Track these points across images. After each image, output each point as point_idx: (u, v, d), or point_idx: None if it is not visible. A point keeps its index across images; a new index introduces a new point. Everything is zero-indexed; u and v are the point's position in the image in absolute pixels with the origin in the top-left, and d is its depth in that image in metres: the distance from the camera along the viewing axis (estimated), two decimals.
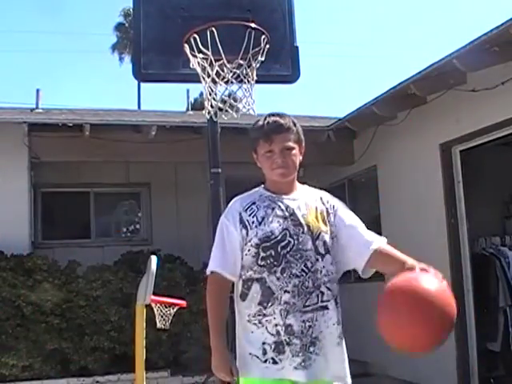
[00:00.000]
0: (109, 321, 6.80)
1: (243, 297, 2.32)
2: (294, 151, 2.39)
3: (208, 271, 2.37)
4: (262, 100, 4.01)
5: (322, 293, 2.30)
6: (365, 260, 2.43)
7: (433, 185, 6.45)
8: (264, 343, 2.27)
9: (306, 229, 2.33)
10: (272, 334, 2.27)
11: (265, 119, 2.42)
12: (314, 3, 55.44)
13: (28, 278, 6.68)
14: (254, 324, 2.30)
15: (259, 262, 2.29)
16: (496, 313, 6.37)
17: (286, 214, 2.35)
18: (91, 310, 6.80)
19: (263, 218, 2.33)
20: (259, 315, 2.29)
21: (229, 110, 3.98)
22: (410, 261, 2.30)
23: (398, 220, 7.11)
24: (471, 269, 6.17)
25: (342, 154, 8.17)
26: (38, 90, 9.29)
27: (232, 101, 4.01)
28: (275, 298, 2.26)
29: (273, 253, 2.28)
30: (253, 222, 2.33)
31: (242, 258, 2.32)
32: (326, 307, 2.31)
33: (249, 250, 2.31)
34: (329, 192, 2.57)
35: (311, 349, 2.26)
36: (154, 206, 8.85)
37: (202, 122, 5.64)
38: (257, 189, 2.48)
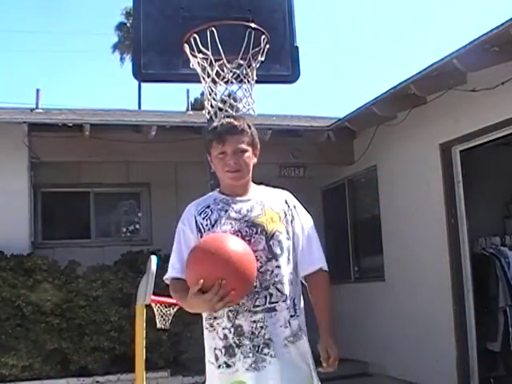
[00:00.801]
0: (109, 321, 6.80)
1: None
2: (247, 153, 2.38)
3: (166, 278, 2.47)
4: (262, 100, 4.01)
5: (271, 294, 2.27)
6: (304, 274, 2.42)
7: (433, 185, 6.45)
8: (215, 348, 2.28)
9: (259, 229, 2.31)
10: (221, 339, 2.27)
11: (219, 121, 2.43)
12: (314, 3, 55.46)
13: (28, 278, 6.68)
14: (207, 329, 2.34)
15: None
16: (496, 313, 6.36)
17: (239, 215, 2.35)
18: (91, 310, 6.80)
19: (216, 221, 2.34)
20: (210, 318, 2.32)
21: (229, 109, 3.98)
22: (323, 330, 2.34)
23: (398, 220, 7.11)
24: (471, 269, 6.17)
25: (341, 154, 8.16)
26: (37, 90, 9.29)
27: (232, 101, 4.01)
28: None
29: None
30: (206, 225, 2.35)
31: None
32: (273, 309, 2.27)
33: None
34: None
35: (265, 350, 2.24)
36: (154, 206, 8.85)
37: (202, 122, 5.64)
38: (212, 193, 2.49)
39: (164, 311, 4.93)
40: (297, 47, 4.45)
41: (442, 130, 6.28)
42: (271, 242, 2.31)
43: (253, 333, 2.24)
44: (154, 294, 4.70)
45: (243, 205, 2.37)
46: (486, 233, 6.87)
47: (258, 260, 2.26)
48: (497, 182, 7.34)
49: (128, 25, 32.79)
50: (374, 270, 7.67)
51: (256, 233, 2.31)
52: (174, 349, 7.11)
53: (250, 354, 2.23)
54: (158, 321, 4.90)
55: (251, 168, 2.42)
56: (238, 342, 2.24)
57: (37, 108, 9.04)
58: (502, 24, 4.66)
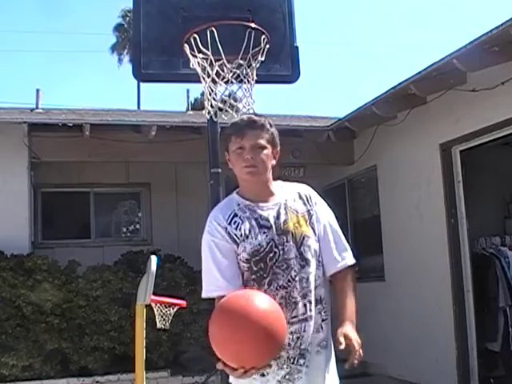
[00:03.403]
0: (109, 321, 6.80)
1: None
2: (265, 151, 2.29)
3: (208, 295, 2.27)
4: (262, 100, 4.01)
5: (310, 301, 2.23)
6: (330, 273, 2.34)
7: (433, 185, 6.45)
8: None
9: (289, 237, 2.25)
10: None
11: (241, 118, 2.38)
12: (314, 3, 55.46)
13: (28, 278, 6.68)
14: None
15: (252, 275, 2.22)
16: (496, 313, 6.36)
17: (269, 224, 2.26)
18: (91, 310, 6.80)
19: (250, 231, 2.24)
20: None
21: (229, 109, 3.97)
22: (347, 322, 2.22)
23: (398, 220, 7.11)
24: (471, 269, 6.17)
25: (341, 154, 8.17)
26: (37, 90, 9.30)
27: (232, 101, 4.01)
28: None
29: (262, 265, 2.20)
30: (241, 235, 2.24)
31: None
32: (310, 317, 2.22)
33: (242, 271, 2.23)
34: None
35: (301, 361, 2.19)
36: (154, 206, 8.85)
37: (202, 122, 5.64)
38: (231, 196, 2.37)
39: (164, 311, 4.93)
40: (297, 47, 4.45)
41: (442, 130, 6.28)
42: (302, 249, 2.25)
43: (289, 344, 2.18)
44: (154, 293, 4.70)
45: (269, 212, 2.29)
46: (485, 233, 6.87)
47: (292, 269, 2.22)
48: (497, 182, 7.34)
49: (126, 26, 32.80)
50: (374, 270, 7.67)
51: (287, 241, 2.24)
52: (173, 349, 7.11)
53: (285, 366, 2.18)
54: (158, 321, 4.90)
55: (269, 167, 2.32)
56: None
57: (37, 108, 9.05)
58: (502, 24, 4.66)
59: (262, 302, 2.05)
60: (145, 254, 7.13)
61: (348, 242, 2.51)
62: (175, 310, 5.00)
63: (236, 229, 2.25)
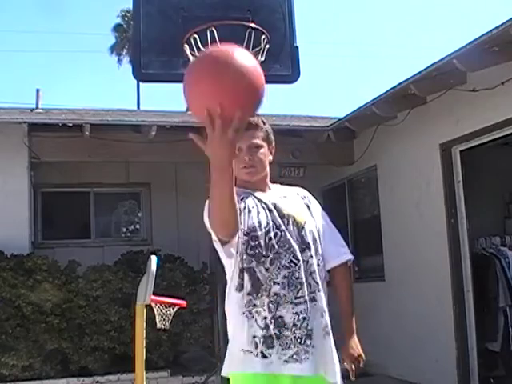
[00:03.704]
0: (109, 321, 6.80)
1: (239, 288, 2.26)
2: (262, 149, 2.36)
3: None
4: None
5: (310, 284, 2.26)
6: (330, 266, 2.41)
7: (433, 185, 6.45)
8: (254, 336, 2.23)
9: (291, 220, 2.31)
10: (261, 328, 2.22)
11: None
12: (315, 3, 55.46)
13: (28, 278, 6.68)
14: (246, 316, 2.26)
15: (248, 251, 2.24)
16: (496, 313, 6.36)
17: (270, 206, 2.32)
18: (91, 309, 6.80)
19: (253, 207, 2.29)
20: (249, 306, 2.25)
21: None
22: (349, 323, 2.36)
23: (398, 220, 7.11)
24: (471, 269, 6.17)
25: (341, 154, 8.17)
26: (37, 90, 9.31)
27: None
28: (264, 289, 2.22)
29: (262, 243, 2.24)
30: (244, 208, 2.27)
31: (237, 241, 2.24)
32: (314, 299, 2.26)
33: (239, 236, 2.26)
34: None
35: (308, 342, 2.20)
36: (154, 206, 8.85)
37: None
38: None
39: (164, 311, 4.93)
40: (297, 47, 4.45)
41: (442, 130, 6.28)
42: (303, 233, 2.31)
43: (295, 324, 2.20)
44: (154, 293, 4.70)
45: (270, 198, 2.36)
46: (485, 233, 6.87)
47: (296, 250, 2.26)
48: (497, 182, 7.34)
49: (125, 26, 32.78)
50: (374, 270, 7.67)
51: (288, 223, 2.30)
52: (173, 349, 7.11)
53: (292, 346, 2.20)
54: (158, 321, 4.90)
55: (267, 164, 2.40)
56: (278, 333, 2.20)
57: (37, 108, 9.05)
58: (502, 24, 4.66)
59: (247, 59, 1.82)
60: (145, 254, 7.13)
61: (348, 242, 2.55)
62: (175, 310, 5.00)
63: (240, 201, 2.25)
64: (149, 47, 4.22)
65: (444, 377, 6.15)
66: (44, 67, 55.35)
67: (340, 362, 2.30)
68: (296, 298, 2.22)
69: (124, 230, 9.35)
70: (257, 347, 2.22)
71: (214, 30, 3.73)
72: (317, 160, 8.15)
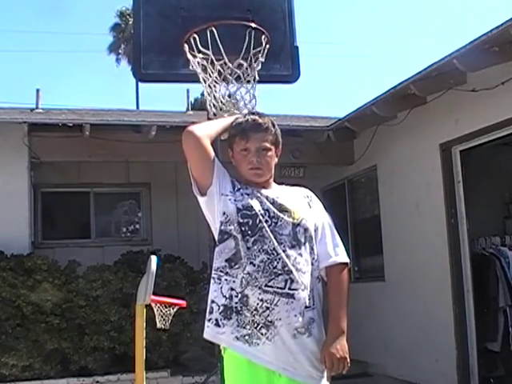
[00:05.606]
0: (109, 321, 6.80)
1: (221, 252, 2.29)
2: (269, 152, 2.39)
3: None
4: (263, 100, 4.01)
5: (292, 280, 2.22)
6: (322, 266, 2.38)
7: (433, 185, 6.45)
8: (213, 302, 2.25)
9: (287, 214, 2.31)
10: (224, 296, 2.23)
11: (245, 117, 2.43)
12: (315, 3, 55.46)
13: (28, 278, 6.68)
14: (213, 278, 2.28)
15: (240, 220, 2.28)
16: (496, 313, 6.37)
17: (270, 199, 2.35)
18: (91, 310, 6.80)
19: (248, 194, 2.34)
20: (221, 271, 2.26)
21: (230, 109, 3.97)
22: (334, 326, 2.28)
23: (398, 220, 7.11)
24: (471, 269, 6.17)
25: (341, 154, 8.17)
26: (37, 90, 9.29)
27: (233, 101, 4.01)
28: (241, 263, 2.23)
29: (250, 222, 2.27)
30: (240, 189, 2.36)
31: (225, 200, 2.33)
32: (292, 295, 2.22)
33: (231, 201, 2.32)
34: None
35: (263, 330, 2.19)
36: (154, 206, 8.85)
37: (203, 122, 5.62)
38: None
39: (164, 311, 4.93)
40: (297, 47, 4.45)
41: (442, 130, 6.28)
42: (297, 229, 2.30)
43: (256, 309, 2.20)
44: (154, 293, 4.70)
45: (270, 193, 2.38)
46: (485, 233, 6.87)
47: (282, 243, 2.26)
48: (497, 182, 7.35)
49: (123, 25, 32.76)
50: (374, 270, 7.67)
51: (283, 217, 2.30)
52: (173, 349, 7.11)
53: (248, 327, 2.19)
54: (158, 321, 4.90)
55: (272, 167, 2.43)
56: (239, 308, 2.20)
57: (37, 108, 9.05)
58: (502, 24, 4.67)
59: None
60: (145, 254, 7.13)
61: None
62: (175, 309, 4.99)
63: (239, 183, 2.39)
64: (149, 47, 4.21)
65: (444, 377, 6.15)
66: (44, 67, 55.40)
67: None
68: (266, 285, 2.21)
69: (124, 229, 9.34)
70: (211, 312, 2.24)
71: (214, 29, 3.72)
72: (317, 160, 8.15)
